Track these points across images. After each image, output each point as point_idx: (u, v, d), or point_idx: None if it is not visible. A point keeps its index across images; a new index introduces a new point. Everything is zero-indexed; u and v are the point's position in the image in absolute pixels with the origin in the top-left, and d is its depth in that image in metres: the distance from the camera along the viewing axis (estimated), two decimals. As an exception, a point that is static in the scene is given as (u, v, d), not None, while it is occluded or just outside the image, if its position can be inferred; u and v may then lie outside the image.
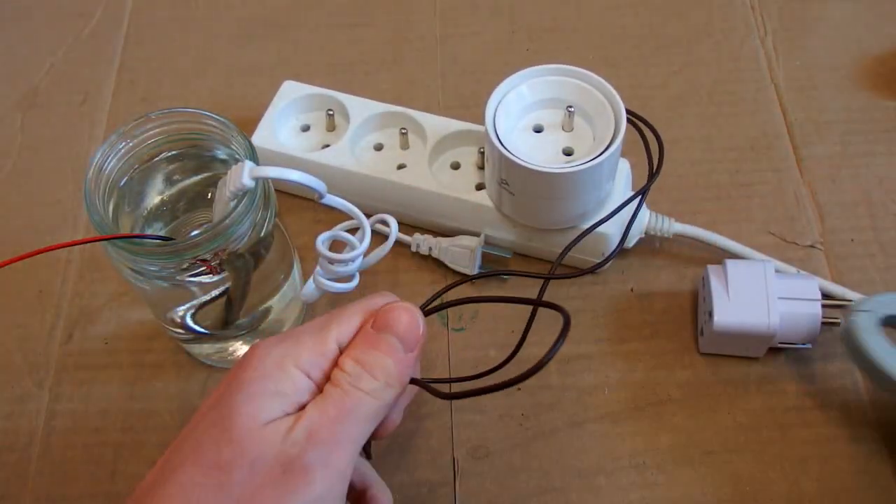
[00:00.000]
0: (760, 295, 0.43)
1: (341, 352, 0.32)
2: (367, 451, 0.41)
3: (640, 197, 0.43)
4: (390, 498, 0.37)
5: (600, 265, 0.44)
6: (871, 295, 0.39)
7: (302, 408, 0.30)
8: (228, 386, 0.30)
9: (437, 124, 0.49)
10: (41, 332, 0.47)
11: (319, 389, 0.30)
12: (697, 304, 0.46)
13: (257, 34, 0.60)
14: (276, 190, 0.42)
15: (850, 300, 0.45)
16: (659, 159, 0.43)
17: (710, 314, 0.43)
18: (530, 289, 0.47)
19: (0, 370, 0.46)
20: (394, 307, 0.32)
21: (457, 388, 0.35)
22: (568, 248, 0.43)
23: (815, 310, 0.43)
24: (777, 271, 0.44)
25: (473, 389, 0.32)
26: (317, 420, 0.29)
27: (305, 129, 0.52)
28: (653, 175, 0.43)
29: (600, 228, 0.44)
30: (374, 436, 0.34)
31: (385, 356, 0.31)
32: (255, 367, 0.30)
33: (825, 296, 0.44)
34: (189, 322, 0.42)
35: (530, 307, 0.47)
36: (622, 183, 0.46)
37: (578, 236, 0.43)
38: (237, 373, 0.30)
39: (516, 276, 0.48)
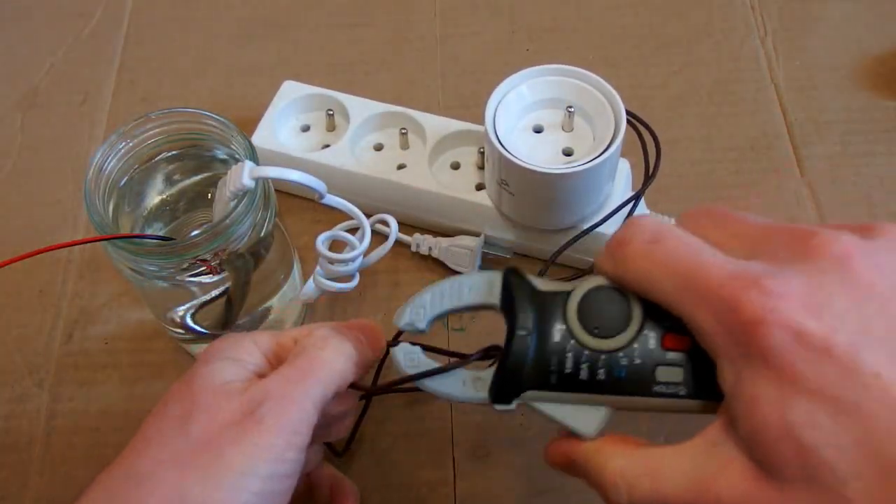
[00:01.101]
0: None
1: None
2: (333, 449, 0.41)
3: (636, 199, 0.43)
4: (356, 490, 0.39)
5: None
6: (410, 300, 0.33)
7: (260, 377, 0.32)
8: (192, 367, 0.33)
9: (437, 124, 0.49)
10: (41, 332, 0.47)
11: (272, 367, 0.33)
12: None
13: (257, 34, 0.60)
14: (276, 190, 0.42)
15: None
16: (656, 161, 0.43)
17: None
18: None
19: (0, 370, 0.46)
20: (361, 319, 0.36)
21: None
22: (561, 250, 0.43)
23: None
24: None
25: (388, 383, 0.34)
26: (276, 380, 0.31)
27: (305, 129, 0.52)
28: (649, 177, 0.43)
29: (599, 229, 0.44)
30: (329, 435, 0.37)
31: (352, 339, 0.34)
32: (215, 345, 0.33)
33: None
34: (189, 322, 0.42)
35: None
36: (622, 183, 0.46)
37: (572, 239, 0.43)
38: (206, 351, 0.33)
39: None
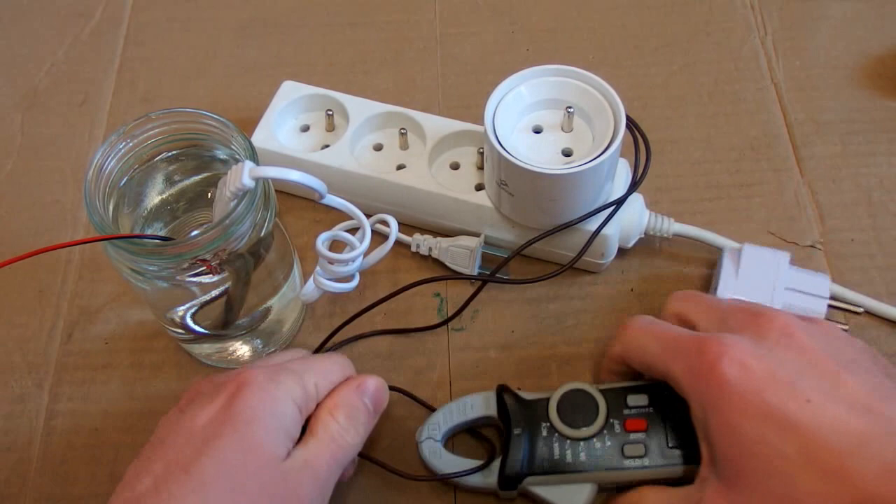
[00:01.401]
0: (768, 281, 0.44)
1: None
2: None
3: (619, 204, 0.44)
4: None
5: (564, 269, 0.45)
6: (427, 420, 0.41)
7: (293, 440, 0.35)
8: (237, 412, 0.34)
9: (436, 124, 0.49)
10: (41, 332, 0.47)
11: (300, 422, 0.36)
12: (711, 292, 0.46)
13: (257, 34, 0.60)
14: (276, 190, 0.42)
15: (860, 308, 0.45)
16: (644, 166, 0.43)
17: (715, 290, 0.44)
18: (531, 289, 0.48)
19: (0, 370, 0.46)
20: (371, 376, 0.39)
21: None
22: (525, 245, 0.43)
23: (821, 307, 0.44)
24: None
25: (424, 477, 0.40)
26: (318, 465, 0.35)
27: (305, 129, 0.52)
28: (634, 183, 0.43)
29: (579, 226, 0.44)
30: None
31: (364, 416, 0.38)
32: (266, 399, 0.35)
33: (831, 297, 0.45)
34: (189, 322, 0.42)
35: (531, 306, 0.47)
36: (622, 184, 0.46)
37: (533, 239, 0.43)
38: (248, 402, 0.34)
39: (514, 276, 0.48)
